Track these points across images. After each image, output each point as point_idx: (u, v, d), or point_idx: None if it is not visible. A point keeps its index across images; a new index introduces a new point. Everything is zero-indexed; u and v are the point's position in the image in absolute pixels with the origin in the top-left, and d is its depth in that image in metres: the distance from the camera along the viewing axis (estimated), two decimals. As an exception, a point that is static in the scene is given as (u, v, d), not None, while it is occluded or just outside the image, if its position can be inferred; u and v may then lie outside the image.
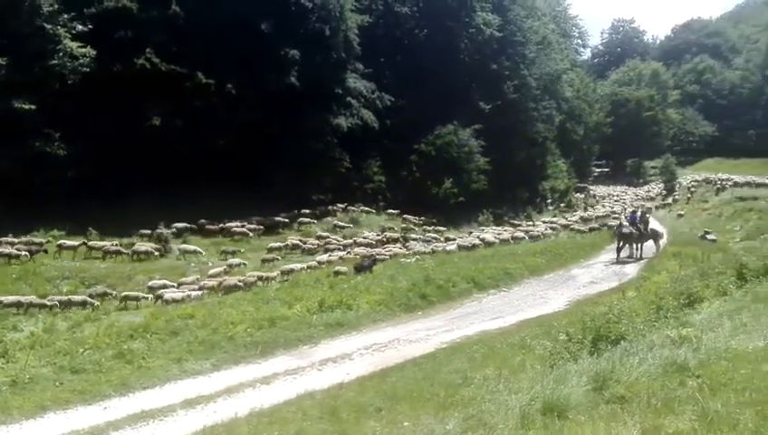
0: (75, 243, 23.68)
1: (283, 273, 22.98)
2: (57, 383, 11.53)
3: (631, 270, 25.51)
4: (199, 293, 19.91)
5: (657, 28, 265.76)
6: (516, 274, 24.08)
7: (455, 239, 33.29)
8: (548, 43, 59.17)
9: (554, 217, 47.43)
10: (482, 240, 32.32)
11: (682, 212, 46.90)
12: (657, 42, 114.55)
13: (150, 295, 19.57)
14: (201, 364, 13.03)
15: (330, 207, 35.05)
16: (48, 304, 17.82)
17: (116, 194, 26.52)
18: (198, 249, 25.29)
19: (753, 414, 5.10)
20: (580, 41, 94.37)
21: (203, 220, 28.50)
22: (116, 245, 24.16)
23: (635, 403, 5.96)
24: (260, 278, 22.00)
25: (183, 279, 21.79)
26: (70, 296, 18.55)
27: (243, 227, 29.02)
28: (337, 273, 22.17)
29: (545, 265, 26.14)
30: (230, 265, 23.81)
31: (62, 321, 16.34)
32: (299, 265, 24.05)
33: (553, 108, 57.12)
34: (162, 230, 25.89)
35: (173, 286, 20.53)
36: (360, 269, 22.69)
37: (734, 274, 13.56)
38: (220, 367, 13.03)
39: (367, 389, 10.99)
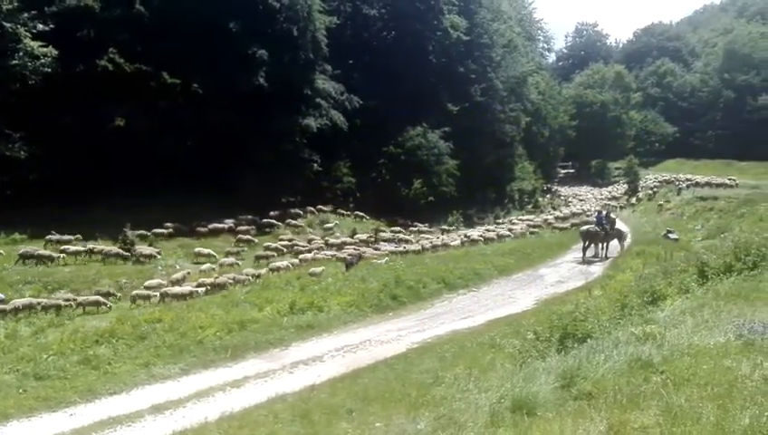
0: (80, 248, 23.54)
1: (271, 270, 23.46)
2: (21, 390, 11.26)
3: (597, 269, 25.97)
4: (201, 289, 20.20)
5: (619, 32, 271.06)
6: (485, 274, 24.31)
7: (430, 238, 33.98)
8: (514, 46, 60.00)
9: (524, 216, 48.21)
10: (467, 237, 33.63)
11: (661, 202, 48.38)
12: (620, 45, 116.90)
13: (156, 293, 19.64)
14: (169, 369, 12.84)
15: (308, 208, 35.25)
16: (63, 304, 17.91)
17: (79, 197, 25.97)
18: (212, 252, 25.44)
19: (715, 408, 5.25)
20: (545, 44, 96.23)
21: (194, 223, 28.93)
22: (116, 248, 24.06)
23: (601, 399, 6.07)
24: (252, 275, 22.59)
25: (174, 276, 22.01)
26: (85, 297, 18.67)
27: (236, 227, 29.65)
28: (312, 274, 22.21)
29: (514, 265, 26.44)
30: (221, 265, 24.19)
31: (26, 326, 15.93)
32: (285, 263, 24.47)
33: (520, 110, 57.91)
34: (128, 232, 25.40)
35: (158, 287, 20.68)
36: (349, 265, 23.81)
37: (695, 272, 13.86)
38: (189, 371, 12.86)
39: (338, 390, 10.99)
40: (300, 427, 9.05)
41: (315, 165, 36.50)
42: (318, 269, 22.76)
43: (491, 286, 23.00)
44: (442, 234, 36.85)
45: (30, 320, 16.83)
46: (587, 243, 28.84)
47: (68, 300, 18.37)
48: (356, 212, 37.77)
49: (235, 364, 13.39)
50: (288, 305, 17.27)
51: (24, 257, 21.95)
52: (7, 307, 17.27)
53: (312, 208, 35.53)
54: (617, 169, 77.11)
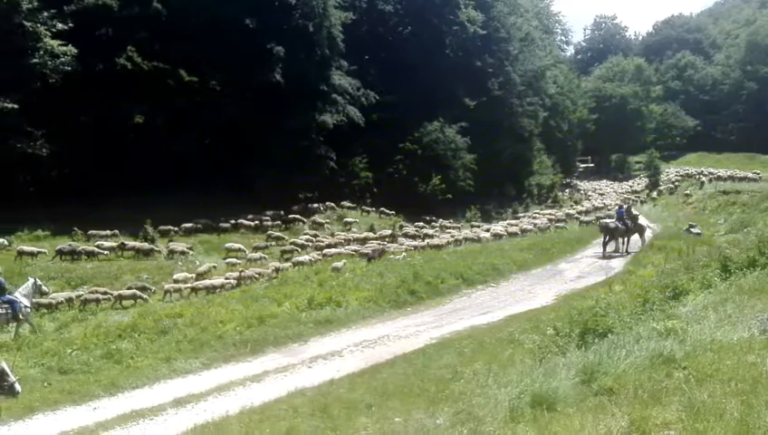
0: (113, 244, 24.08)
1: (294, 264, 23.91)
2: (45, 384, 11.43)
3: (618, 264, 25.67)
4: (233, 281, 20.75)
5: (638, 24, 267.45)
6: (504, 269, 24.15)
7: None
8: (531, 39, 59.54)
9: (545, 210, 48.26)
10: (490, 232, 34.37)
11: (687, 192, 48.19)
12: (639, 38, 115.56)
13: (187, 286, 20.14)
14: (191, 363, 12.96)
15: (328, 204, 35.65)
16: (101, 298, 18.42)
17: (99, 193, 26.37)
18: (242, 247, 25.79)
19: (739, 404, 5.17)
20: (563, 37, 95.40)
21: (222, 218, 29.59)
22: (149, 244, 24.59)
23: (622, 395, 6.01)
24: (275, 269, 23.17)
25: (200, 269, 22.46)
26: (121, 291, 19.10)
27: (261, 223, 30.44)
28: (334, 268, 22.39)
29: (533, 261, 26.25)
30: (249, 259, 24.80)
31: (50, 322, 16.18)
32: (307, 257, 24.86)
33: (538, 104, 57.48)
34: (149, 229, 25.69)
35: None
36: (370, 258, 24.62)
37: (718, 266, 13.65)
38: (210, 366, 12.96)
39: (357, 385, 11.00)
40: (319, 421, 9.07)
41: (332, 162, 36.59)
42: (340, 263, 22.87)
43: (510, 282, 22.87)
44: (470, 229, 36.91)
45: (53, 315, 17.11)
46: (607, 238, 28.54)
47: (106, 293, 18.84)
48: (380, 209, 37.80)
49: (255, 359, 13.48)
50: (306, 301, 17.33)
51: (62, 253, 22.36)
52: (52, 301, 17.66)
53: (333, 204, 35.75)
54: (637, 162, 76.28)
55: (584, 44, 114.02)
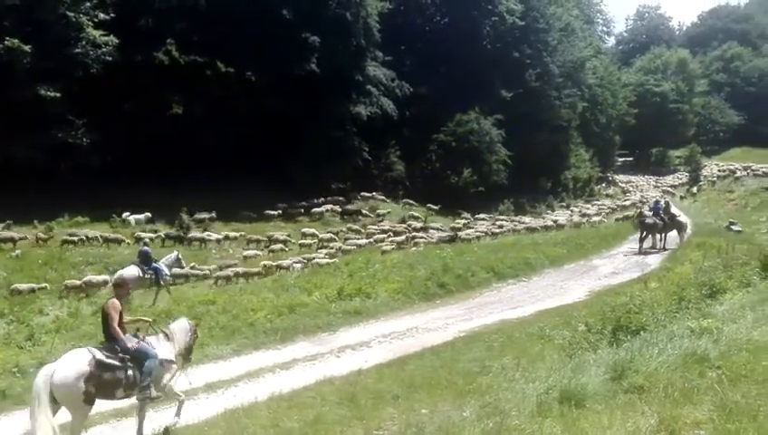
0: (219, 236, 25.55)
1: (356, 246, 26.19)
2: (82, 366, 11.72)
3: (654, 261, 25.19)
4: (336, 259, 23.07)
5: (683, 14, 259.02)
6: (536, 264, 23.93)
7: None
8: (571, 30, 58.19)
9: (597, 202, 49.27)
10: (554, 222, 37.53)
11: (730, 188, 48.26)
12: (684, 28, 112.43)
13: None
14: (222, 349, 13.19)
15: (377, 194, 36.73)
16: (212, 276, 19.95)
17: (138, 182, 26.82)
18: (315, 232, 27.74)
19: (774, 405, 5.05)
20: (604, 28, 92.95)
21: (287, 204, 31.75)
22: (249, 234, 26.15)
23: (653, 393, 5.94)
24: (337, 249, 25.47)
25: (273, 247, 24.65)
26: (249, 269, 20.60)
27: (328, 210, 32.30)
28: (384, 252, 24.63)
29: (566, 256, 25.92)
30: (321, 240, 26.82)
31: (87, 305, 16.60)
32: (364, 241, 27.06)
33: (576, 96, 56.29)
34: (184, 217, 26.11)
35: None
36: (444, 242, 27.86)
37: (758, 265, 13.31)
38: (241, 352, 13.17)
39: (385, 376, 11.05)
40: (347, 410, 9.15)
41: (365, 153, 36.61)
42: (388, 247, 25.29)
43: (542, 277, 22.64)
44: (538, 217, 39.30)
45: (91, 299, 17.55)
46: (644, 233, 27.95)
47: (214, 271, 20.27)
48: (405, 200, 37.72)
49: (285, 347, 13.64)
50: (336, 291, 17.43)
51: (169, 237, 24.41)
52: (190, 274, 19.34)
53: (367, 194, 36.34)
54: (678, 157, 74.37)
55: (626, 35, 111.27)
